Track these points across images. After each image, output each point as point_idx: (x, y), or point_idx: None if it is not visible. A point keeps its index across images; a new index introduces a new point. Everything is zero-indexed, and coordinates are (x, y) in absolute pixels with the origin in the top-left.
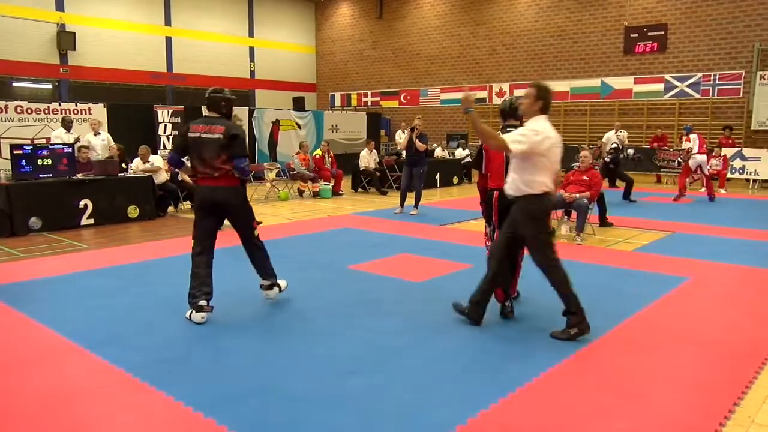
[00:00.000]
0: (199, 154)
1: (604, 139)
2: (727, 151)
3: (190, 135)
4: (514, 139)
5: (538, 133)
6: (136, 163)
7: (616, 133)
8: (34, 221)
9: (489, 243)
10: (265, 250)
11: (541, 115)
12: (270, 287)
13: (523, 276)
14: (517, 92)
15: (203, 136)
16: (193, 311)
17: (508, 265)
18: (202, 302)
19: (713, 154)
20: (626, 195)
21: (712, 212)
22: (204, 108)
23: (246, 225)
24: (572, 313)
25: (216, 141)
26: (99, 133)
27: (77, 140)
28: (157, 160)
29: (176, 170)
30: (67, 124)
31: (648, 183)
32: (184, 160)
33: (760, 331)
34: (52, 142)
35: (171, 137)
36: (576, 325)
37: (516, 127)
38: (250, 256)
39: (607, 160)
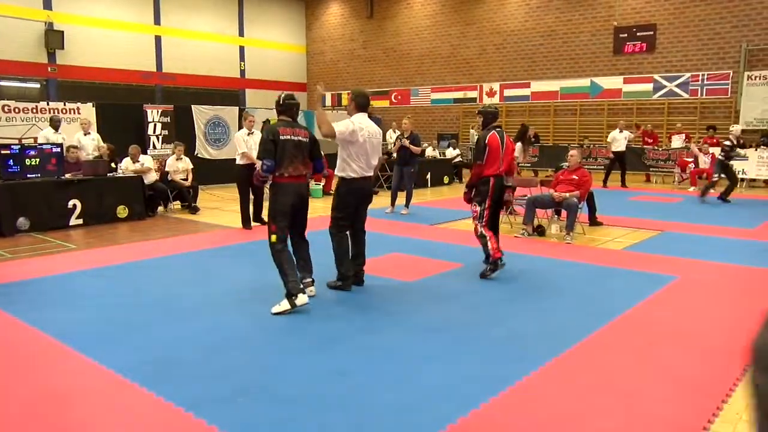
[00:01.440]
0: (290, 155)
1: (609, 139)
2: (715, 150)
3: (282, 138)
4: (339, 127)
5: (354, 124)
6: (126, 163)
7: (621, 132)
8: (22, 222)
9: (477, 223)
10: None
11: (358, 112)
12: (312, 283)
13: (519, 277)
14: (507, 92)
15: (293, 138)
16: (299, 295)
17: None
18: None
19: (703, 150)
20: (725, 194)
21: (700, 211)
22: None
23: (306, 216)
24: (342, 278)
25: (303, 143)
26: (89, 133)
27: (64, 140)
28: (147, 160)
29: (265, 176)
30: (55, 124)
31: (638, 182)
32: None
33: (748, 328)
34: (39, 142)
35: (160, 137)
36: (342, 287)
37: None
38: (299, 247)
39: (721, 157)
